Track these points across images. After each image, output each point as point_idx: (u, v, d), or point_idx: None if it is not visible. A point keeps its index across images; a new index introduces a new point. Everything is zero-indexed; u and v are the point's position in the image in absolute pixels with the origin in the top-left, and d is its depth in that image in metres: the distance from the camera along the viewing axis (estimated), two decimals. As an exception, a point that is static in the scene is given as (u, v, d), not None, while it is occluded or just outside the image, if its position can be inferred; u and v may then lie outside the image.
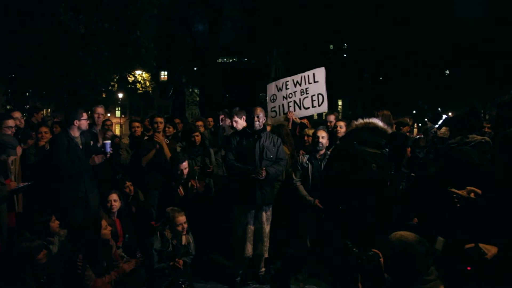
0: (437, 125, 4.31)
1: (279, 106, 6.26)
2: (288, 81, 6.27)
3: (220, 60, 26.98)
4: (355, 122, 3.08)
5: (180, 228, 4.41)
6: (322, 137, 4.93)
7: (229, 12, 21.95)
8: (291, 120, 6.08)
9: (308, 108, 6.14)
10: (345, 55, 27.56)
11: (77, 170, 4.64)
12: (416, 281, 2.12)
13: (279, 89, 6.30)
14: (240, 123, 5.39)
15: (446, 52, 23.35)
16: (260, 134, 4.68)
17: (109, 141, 4.76)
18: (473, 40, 23.57)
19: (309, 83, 6.12)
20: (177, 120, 7.56)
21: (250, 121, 4.70)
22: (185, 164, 4.97)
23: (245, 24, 22.50)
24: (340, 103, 35.70)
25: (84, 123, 4.79)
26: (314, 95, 6.09)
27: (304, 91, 6.13)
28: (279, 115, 6.24)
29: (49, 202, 4.63)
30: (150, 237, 4.45)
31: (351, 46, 26.03)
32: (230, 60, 29.59)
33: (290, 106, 6.19)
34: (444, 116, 4.29)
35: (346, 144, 3.05)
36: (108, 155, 4.78)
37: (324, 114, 6.67)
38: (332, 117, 6.50)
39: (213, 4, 20.78)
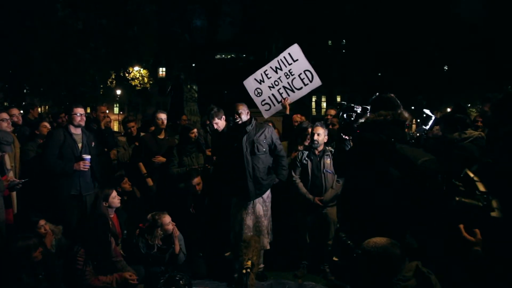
0: (427, 127, 4.32)
1: (269, 97, 5.93)
2: (266, 70, 5.92)
3: (218, 56, 26.87)
4: (383, 112, 2.91)
5: (170, 226, 4.47)
6: (318, 134, 4.86)
7: (227, 7, 21.87)
8: (288, 107, 5.90)
9: (301, 87, 5.85)
10: (344, 51, 27.52)
11: (61, 166, 4.58)
12: (393, 281, 2.24)
13: (261, 81, 5.94)
14: (221, 123, 5.24)
15: (445, 47, 23.34)
16: (246, 128, 4.62)
17: (89, 157, 4.69)
18: (472, 35, 23.55)
19: (289, 64, 5.83)
20: (184, 117, 7.65)
21: (233, 118, 4.70)
22: (197, 179, 5.09)
23: (243, 20, 22.42)
24: (338, 99, 35.69)
25: (76, 118, 4.71)
26: (300, 73, 5.81)
27: (289, 73, 5.83)
28: (274, 105, 5.95)
29: (44, 199, 4.62)
30: (136, 240, 4.54)
31: (350, 42, 26.00)
32: (229, 57, 29.48)
33: (282, 93, 5.89)
34: (433, 117, 4.31)
35: (380, 139, 2.87)
36: (86, 169, 4.68)
37: (324, 110, 6.55)
38: (332, 112, 6.43)
39: (211, -1, 20.70)
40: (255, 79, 5.97)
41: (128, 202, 5.28)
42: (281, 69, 5.86)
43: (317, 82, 5.83)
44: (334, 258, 5.00)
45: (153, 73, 23.54)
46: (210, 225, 5.18)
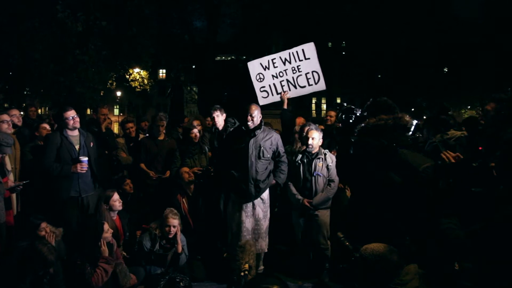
0: (410, 132, 4.36)
1: (269, 85, 5.77)
2: (274, 58, 5.75)
3: (218, 58, 26.87)
4: (384, 117, 2.88)
5: (167, 229, 4.46)
6: (313, 138, 4.78)
7: (227, 8, 21.85)
8: (286, 101, 5.78)
9: (304, 86, 5.70)
10: (344, 53, 27.55)
11: (58, 169, 4.58)
12: (390, 286, 2.27)
13: (266, 68, 5.77)
14: (221, 120, 5.36)
15: (445, 48, 23.36)
16: (255, 132, 4.60)
17: (86, 158, 4.68)
18: (472, 36, 23.58)
19: (300, 60, 5.67)
20: (186, 120, 7.68)
21: (244, 119, 4.62)
22: (185, 168, 5.18)
23: (243, 21, 22.44)
24: (338, 100, 35.70)
25: (68, 122, 4.70)
26: (308, 72, 5.66)
27: (296, 69, 5.67)
28: (272, 95, 5.82)
29: (43, 201, 4.61)
30: (142, 235, 4.55)
31: (350, 44, 26.02)
32: (229, 58, 29.51)
33: (284, 86, 5.74)
34: (415, 122, 4.35)
35: (381, 143, 2.84)
36: (83, 171, 4.66)
37: (324, 111, 6.49)
38: (332, 113, 6.42)
39: (211, 0, 20.69)
40: (260, 63, 5.82)
41: (129, 203, 5.29)
42: (289, 62, 5.71)
43: (321, 85, 5.72)
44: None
45: (153, 74, 23.52)
46: (207, 227, 5.20)
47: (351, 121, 2.99)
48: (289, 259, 5.17)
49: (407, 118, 2.95)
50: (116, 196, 4.70)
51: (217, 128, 5.58)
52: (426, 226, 2.49)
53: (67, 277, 3.72)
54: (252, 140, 4.58)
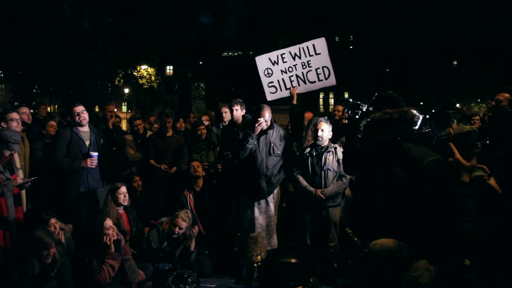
0: (416, 126, 4.33)
1: (278, 81, 5.64)
2: (284, 53, 5.60)
3: (225, 53, 26.86)
4: (389, 110, 2.85)
5: (173, 228, 4.47)
6: (322, 130, 4.65)
7: (233, 4, 21.79)
8: (295, 96, 5.62)
9: (314, 82, 5.56)
10: (351, 47, 27.40)
11: (68, 164, 4.61)
12: (400, 281, 2.25)
13: (274, 63, 5.61)
14: (239, 114, 5.32)
15: (454, 42, 23.08)
16: (266, 130, 4.64)
17: (96, 154, 4.71)
18: (481, 30, 23.27)
19: (310, 55, 5.52)
20: (191, 115, 7.69)
21: (255, 122, 4.61)
22: (196, 162, 5.27)
23: (250, 17, 22.35)
24: (346, 95, 35.53)
25: (75, 117, 4.74)
26: (318, 68, 5.51)
27: (306, 64, 5.52)
28: (280, 91, 5.68)
29: (53, 198, 4.65)
30: (149, 232, 4.60)
31: (357, 38, 25.85)
32: (236, 54, 29.50)
33: (293, 81, 5.59)
34: (421, 116, 4.31)
35: (386, 137, 2.81)
36: (93, 165, 4.71)
37: (332, 106, 6.40)
38: (340, 108, 6.36)
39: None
40: (269, 58, 5.66)
41: (138, 200, 5.31)
42: (299, 57, 5.56)
43: (332, 81, 5.61)
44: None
45: (160, 71, 23.61)
46: (214, 222, 5.21)
47: (357, 116, 2.96)
48: (296, 255, 5.15)
49: (414, 112, 2.91)
50: (123, 189, 4.68)
51: (235, 122, 5.43)
52: (431, 222, 2.45)
53: (75, 273, 3.75)
54: (262, 137, 4.63)
